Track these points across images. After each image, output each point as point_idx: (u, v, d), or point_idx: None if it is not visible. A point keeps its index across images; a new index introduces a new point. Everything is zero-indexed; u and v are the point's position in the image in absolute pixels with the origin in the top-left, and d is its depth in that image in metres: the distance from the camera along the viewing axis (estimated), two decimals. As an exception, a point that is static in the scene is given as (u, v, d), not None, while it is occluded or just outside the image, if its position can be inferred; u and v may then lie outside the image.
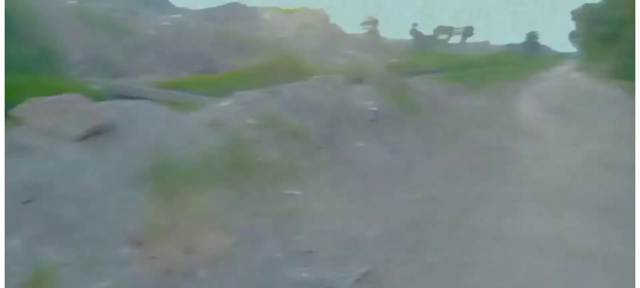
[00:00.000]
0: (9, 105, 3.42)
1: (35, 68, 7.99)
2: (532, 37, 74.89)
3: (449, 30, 80.00)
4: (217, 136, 4.60)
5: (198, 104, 6.29)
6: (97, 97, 6.06)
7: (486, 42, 70.99)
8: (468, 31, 79.44)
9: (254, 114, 5.58)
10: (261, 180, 4.08)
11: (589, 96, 17.46)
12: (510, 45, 79.46)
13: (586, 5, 49.34)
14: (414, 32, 75.60)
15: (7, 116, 3.38)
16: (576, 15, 54.58)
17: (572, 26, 56.67)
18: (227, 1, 38.07)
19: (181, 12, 29.74)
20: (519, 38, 79.14)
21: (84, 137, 3.30)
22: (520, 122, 9.28)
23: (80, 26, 14.03)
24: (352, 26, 58.28)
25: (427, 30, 75.82)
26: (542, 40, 78.46)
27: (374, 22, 54.48)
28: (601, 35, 42.82)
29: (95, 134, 3.39)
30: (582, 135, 8.47)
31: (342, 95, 7.40)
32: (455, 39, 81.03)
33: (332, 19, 37.76)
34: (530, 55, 70.84)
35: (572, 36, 61.68)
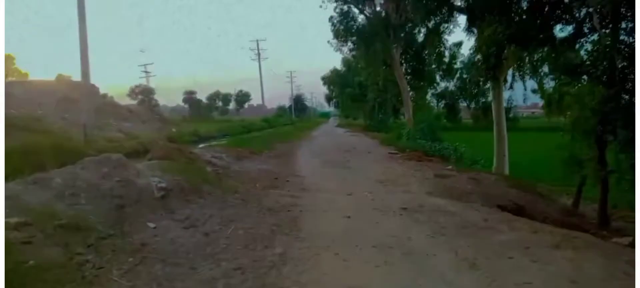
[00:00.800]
0: None
1: None
2: (299, 100, 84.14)
3: (226, 96, 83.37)
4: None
5: None
6: None
7: (262, 106, 76.21)
8: (244, 96, 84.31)
9: (17, 210, 4.69)
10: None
11: (353, 148, 20.33)
12: (281, 108, 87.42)
13: (333, 71, 58.46)
14: (189, 99, 76.06)
15: None
16: (327, 80, 64.21)
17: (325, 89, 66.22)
18: (-41, 77, 31.36)
19: None
20: (287, 101, 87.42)
21: None
22: (304, 180, 10.16)
23: None
24: (123, 96, 54.86)
25: (201, 96, 77.40)
26: (308, 102, 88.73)
27: (148, 91, 52.68)
28: (351, 96, 51.08)
29: None
30: (353, 183, 9.80)
31: (124, 174, 6.85)
32: (232, 105, 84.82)
33: (102, 89, 34.94)
34: (299, 115, 79.16)
35: (328, 98, 72.04)
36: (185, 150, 10.71)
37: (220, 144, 16.34)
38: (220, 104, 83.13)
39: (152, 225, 5.59)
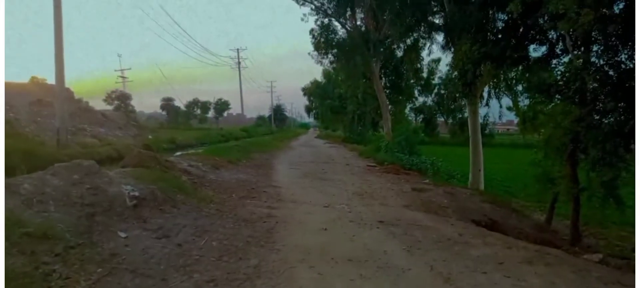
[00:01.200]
0: None
1: None
2: (279, 110, 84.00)
3: (205, 104, 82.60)
4: None
5: None
6: None
7: (241, 115, 75.79)
8: (224, 105, 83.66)
9: (-19, 217, 4.49)
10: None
11: (332, 160, 20.35)
12: (260, 117, 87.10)
13: (314, 82, 58.79)
14: (167, 106, 75.11)
15: None
16: (307, 91, 64.56)
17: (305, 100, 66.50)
18: None
19: None
20: (267, 111, 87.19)
21: None
22: (281, 190, 10.08)
23: None
24: (99, 101, 53.79)
25: (179, 104, 76.59)
26: (288, 112, 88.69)
27: (125, 96, 51.73)
28: (331, 108, 51.35)
29: None
30: (331, 195, 9.77)
31: (95, 181, 6.67)
32: (211, 113, 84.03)
33: (77, 94, 34.17)
34: (279, 125, 79.00)
35: (308, 109, 72.26)
36: (161, 158, 10.50)
37: (197, 153, 16.09)
38: (198, 111, 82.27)
39: (123, 234, 5.44)
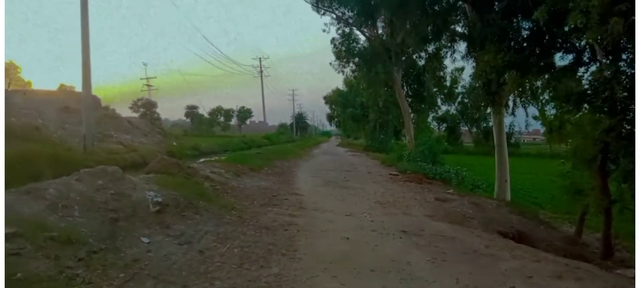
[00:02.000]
0: None
1: None
2: (300, 118, 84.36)
3: (227, 112, 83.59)
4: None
5: None
6: None
7: (263, 123, 76.26)
8: (246, 113, 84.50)
9: (9, 221, 4.57)
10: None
11: (353, 168, 20.22)
12: (282, 125, 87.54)
13: (335, 91, 58.66)
14: (191, 113, 76.24)
15: None
16: (328, 99, 64.40)
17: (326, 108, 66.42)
18: (-35, 86, 31.64)
19: None
20: (288, 119, 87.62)
21: None
22: (302, 198, 10.03)
23: None
24: (125, 108, 54.87)
25: (203, 112, 77.65)
26: (309, 120, 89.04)
27: (150, 104, 52.73)
28: (352, 116, 51.19)
29: None
30: (353, 204, 9.67)
31: (120, 187, 6.75)
32: (234, 120, 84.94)
33: (103, 100, 34.98)
34: (300, 133, 79.30)
35: (329, 117, 72.08)
36: (184, 165, 10.60)
37: (220, 160, 16.20)
38: (222, 119, 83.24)
39: (145, 240, 5.47)
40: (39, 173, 8.87)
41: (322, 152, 38.12)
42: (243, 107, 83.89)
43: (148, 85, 64.64)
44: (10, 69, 42.46)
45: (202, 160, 17.68)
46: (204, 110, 78.70)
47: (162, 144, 29.12)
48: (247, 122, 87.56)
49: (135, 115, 49.14)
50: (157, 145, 28.24)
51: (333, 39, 25.73)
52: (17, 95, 31.29)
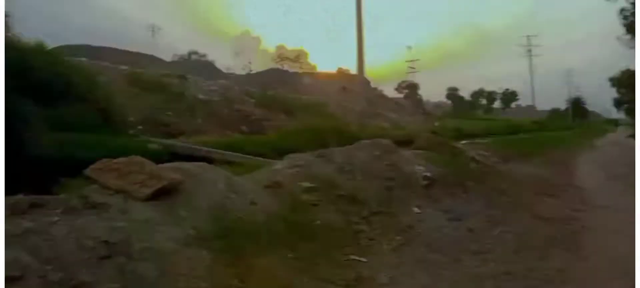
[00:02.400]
0: (83, 161, 3.56)
1: (97, 127, 8.33)
2: (578, 103, 72.93)
3: (490, 94, 79.62)
4: (275, 198, 4.51)
5: (253, 165, 6.29)
6: (156, 155, 6.21)
7: (531, 107, 69.67)
8: (511, 96, 78.73)
9: (308, 177, 5.48)
10: (323, 244, 3.90)
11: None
12: (554, 110, 77.83)
13: (625, 72, 47.77)
14: (452, 95, 75.71)
15: (82, 175, 3.48)
16: (616, 82, 52.85)
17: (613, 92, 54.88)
18: (267, 67, 39.88)
19: (227, 78, 31.07)
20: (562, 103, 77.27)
21: (152, 197, 3.28)
22: (584, 193, 8.71)
23: (134, 90, 14.73)
24: (391, 90, 58.63)
25: (464, 93, 76.03)
26: (589, 106, 76.28)
27: (414, 86, 55.15)
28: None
29: (162, 194, 3.37)
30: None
31: (392, 159, 7.21)
32: (497, 103, 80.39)
33: (373, 81, 38.41)
34: (578, 120, 68.88)
35: (617, 103, 59.28)
36: (450, 144, 10.61)
37: (483, 143, 15.60)
38: (484, 102, 79.94)
39: (417, 210, 5.72)
40: (325, 141, 10.36)
41: (607, 143, 32.13)
42: (507, 90, 78.29)
43: (412, 68, 67.36)
44: (300, 55, 50.71)
45: (464, 141, 17.38)
46: (465, 93, 77.17)
47: (425, 124, 30.00)
48: (512, 105, 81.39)
49: (400, 96, 52.21)
50: (420, 124, 29.27)
51: (622, 10, 21.13)
52: (305, 78, 38.02)
